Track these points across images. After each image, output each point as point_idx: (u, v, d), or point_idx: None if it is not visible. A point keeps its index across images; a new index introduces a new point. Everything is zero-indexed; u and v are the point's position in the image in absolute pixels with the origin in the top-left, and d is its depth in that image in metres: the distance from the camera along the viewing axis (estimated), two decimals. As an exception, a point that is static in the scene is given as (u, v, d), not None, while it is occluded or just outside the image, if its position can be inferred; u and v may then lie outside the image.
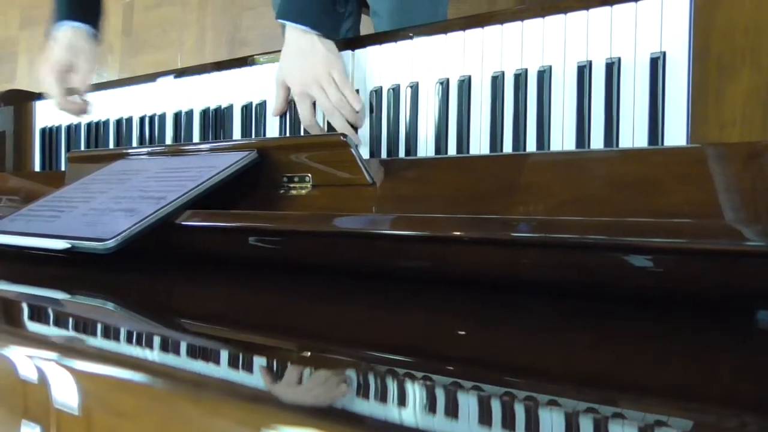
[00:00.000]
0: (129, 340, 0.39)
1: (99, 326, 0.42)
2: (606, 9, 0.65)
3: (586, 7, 0.66)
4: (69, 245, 0.58)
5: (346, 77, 0.80)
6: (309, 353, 0.36)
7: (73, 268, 0.64)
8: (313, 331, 0.40)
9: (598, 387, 0.29)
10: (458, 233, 0.45)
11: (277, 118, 0.89)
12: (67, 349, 0.35)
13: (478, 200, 0.51)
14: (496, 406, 0.27)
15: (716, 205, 0.41)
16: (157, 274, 0.62)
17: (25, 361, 0.34)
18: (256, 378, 0.31)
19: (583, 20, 0.66)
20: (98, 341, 0.39)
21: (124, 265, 0.61)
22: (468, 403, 0.27)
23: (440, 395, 0.28)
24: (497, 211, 0.49)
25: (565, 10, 0.67)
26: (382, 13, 0.96)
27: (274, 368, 0.33)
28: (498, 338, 0.38)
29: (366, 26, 1.11)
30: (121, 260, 0.57)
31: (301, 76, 0.81)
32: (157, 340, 0.39)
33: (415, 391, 0.28)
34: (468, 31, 0.74)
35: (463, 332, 0.40)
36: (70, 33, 1.00)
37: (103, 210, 0.64)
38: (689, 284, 0.39)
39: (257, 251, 0.59)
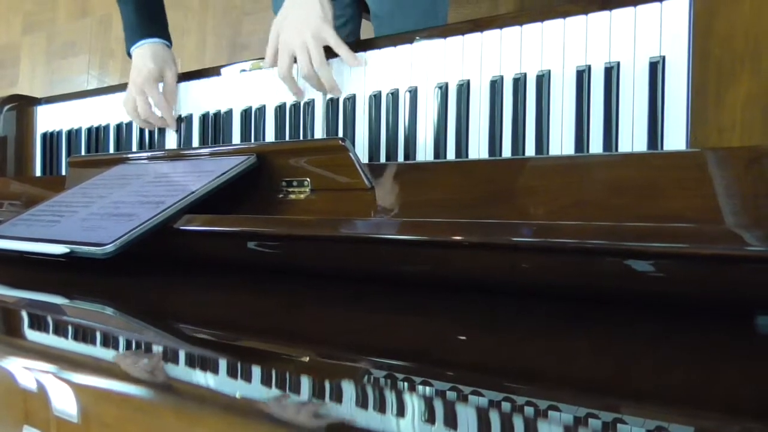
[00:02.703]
0: (128, 348, 0.39)
1: (98, 333, 0.42)
2: (605, 13, 0.65)
3: (585, 12, 0.66)
4: (68, 250, 0.58)
5: (339, 38, 0.81)
6: (304, 359, 0.36)
7: (72, 273, 0.63)
8: (310, 337, 0.40)
9: (599, 393, 0.29)
10: (458, 238, 0.44)
11: (276, 121, 0.89)
12: (65, 358, 0.35)
13: (478, 204, 0.51)
14: (495, 412, 0.27)
15: (716, 209, 0.40)
16: (156, 279, 0.62)
17: (24, 369, 0.34)
18: (255, 388, 0.31)
19: (582, 24, 0.66)
20: (96, 349, 0.38)
21: (123, 270, 0.61)
22: (467, 408, 0.27)
23: (439, 401, 0.28)
24: (497, 216, 0.49)
25: (564, 14, 0.67)
26: (383, 16, 0.96)
27: (273, 377, 0.33)
28: (498, 343, 0.38)
29: (366, 31, 1.11)
30: (120, 265, 0.57)
31: (291, 30, 0.82)
32: (155, 348, 0.39)
33: (414, 398, 0.28)
34: (467, 36, 0.74)
35: (463, 337, 0.39)
36: (148, 48, 1.04)
37: (103, 215, 0.64)
38: (690, 289, 0.39)
39: (256, 256, 0.59)
